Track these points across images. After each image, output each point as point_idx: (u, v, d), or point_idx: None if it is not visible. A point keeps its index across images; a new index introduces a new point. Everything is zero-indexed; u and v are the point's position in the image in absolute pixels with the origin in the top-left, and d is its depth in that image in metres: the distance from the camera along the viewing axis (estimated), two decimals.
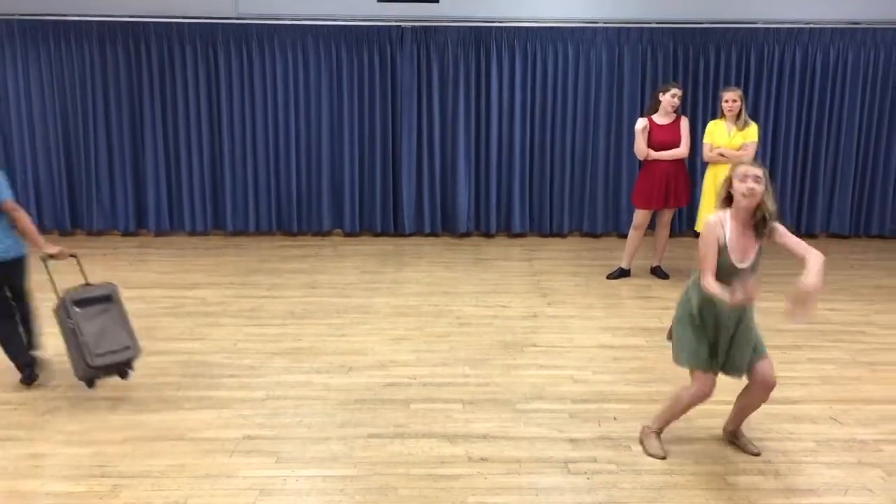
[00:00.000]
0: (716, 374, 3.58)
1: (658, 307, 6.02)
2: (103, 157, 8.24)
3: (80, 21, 7.94)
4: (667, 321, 5.58)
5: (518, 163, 8.34)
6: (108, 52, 8.04)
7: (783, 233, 3.42)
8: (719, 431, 3.94)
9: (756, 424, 4.03)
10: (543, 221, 8.51)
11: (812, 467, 3.63)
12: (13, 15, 7.91)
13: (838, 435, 3.95)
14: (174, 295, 6.25)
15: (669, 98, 6.45)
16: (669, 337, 3.75)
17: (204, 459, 3.65)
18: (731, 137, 6.30)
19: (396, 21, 8.03)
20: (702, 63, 8.18)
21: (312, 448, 3.77)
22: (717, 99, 6.53)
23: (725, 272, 3.42)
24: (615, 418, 4.11)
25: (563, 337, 5.36)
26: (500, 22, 8.05)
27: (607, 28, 8.10)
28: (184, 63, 8.10)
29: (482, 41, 8.13)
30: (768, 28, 8.08)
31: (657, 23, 8.06)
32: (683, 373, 4.67)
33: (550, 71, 8.20)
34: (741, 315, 3.50)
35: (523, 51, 8.14)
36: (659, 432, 3.82)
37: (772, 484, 3.47)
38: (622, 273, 6.83)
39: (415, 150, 8.31)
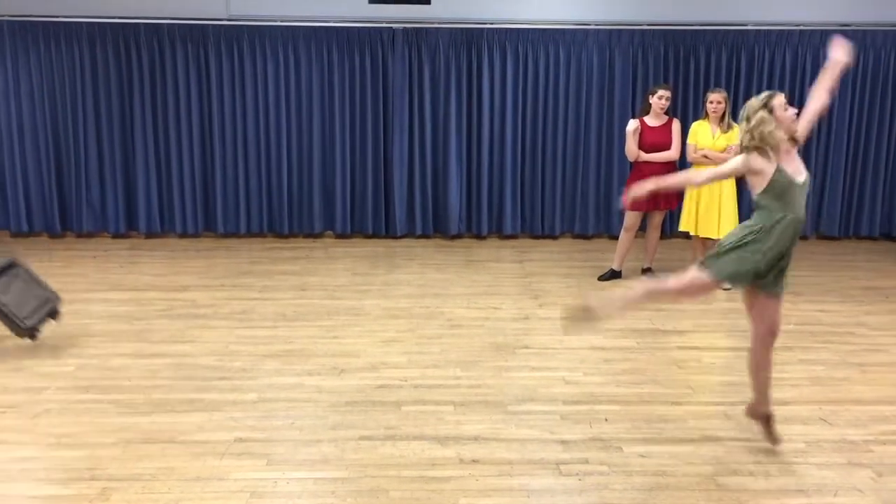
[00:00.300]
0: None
1: (649, 309, 6.02)
2: (93, 158, 8.21)
3: (70, 22, 7.91)
4: (658, 323, 5.64)
5: (510, 164, 8.34)
6: (99, 53, 8.02)
7: (800, 118, 3.83)
8: (711, 432, 3.95)
9: (746, 425, 4.04)
10: (535, 223, 8.52)
11: (802, 468, 3.64)
12: (2, 16, 7.87)
13: (828, 436, 3.97)
14: (165, 297, 6.23)
15: (657, 100, 6.48)
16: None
17: (194, 462, 3.63)
18: (714, 139, 6.34)
19: (388, 22, 8.03)
20: (692, 65, 8.21)
21: (304, 450, 3.76)
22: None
23: (787, 191, 3.59)
24: (606, 419, 4.11)
25: (555, 339, 5.36)
26: (492, 24, 8.06)
27: (598, 30, 8.12)
28: (174, 64, 8.07)
29: (473, 43, 8.14)
30: (759, 30, 8.11)
31: (648, 25, 8.09)
32: (674, 375, 4.70)
33: (542, 73, 8.21)
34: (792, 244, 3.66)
35: (515, 52, 8.15)
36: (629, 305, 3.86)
37: (762, 485, 3.48)
38: (614, 275, 6.84)
39: (406, 152, 8.31)
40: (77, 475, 3.51)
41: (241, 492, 3.38)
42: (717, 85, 8.03)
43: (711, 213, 6.38)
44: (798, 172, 3.65)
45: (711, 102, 6.35)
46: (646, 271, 6.90)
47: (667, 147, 6.49)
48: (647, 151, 6.51)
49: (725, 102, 6.34)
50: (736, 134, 6.23)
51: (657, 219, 6.76)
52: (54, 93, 8.10)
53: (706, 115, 6.43)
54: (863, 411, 4.26)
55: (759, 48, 8.18)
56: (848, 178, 8.50)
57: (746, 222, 3.73)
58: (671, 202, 6.67)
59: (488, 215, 8.49)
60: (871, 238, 8.61)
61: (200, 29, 8.01)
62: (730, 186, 6.40)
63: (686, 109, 8.20)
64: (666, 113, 6.57)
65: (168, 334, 5.38)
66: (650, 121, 6.54)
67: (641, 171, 6.53)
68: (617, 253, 6.85)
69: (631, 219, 6.70)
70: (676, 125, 6.59)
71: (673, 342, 5.31)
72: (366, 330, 5.51)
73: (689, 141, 6.47)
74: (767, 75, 8.22)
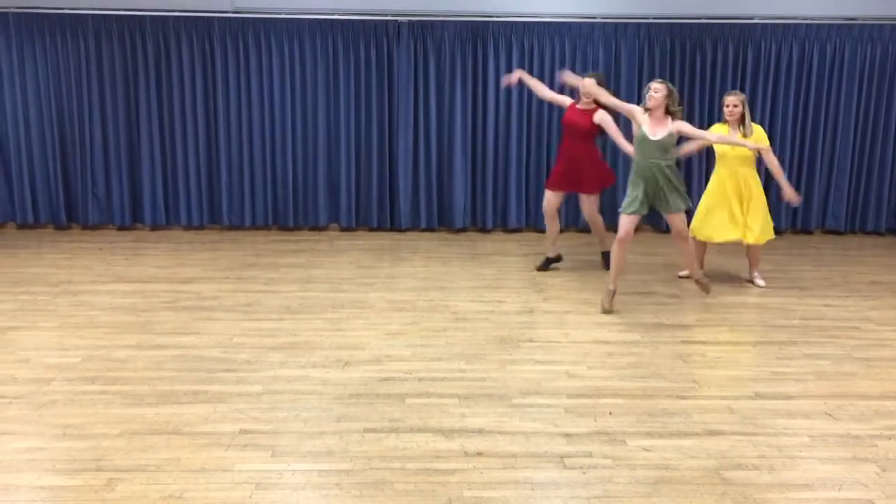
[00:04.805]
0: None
1: (654, 303, 6.03)
2: (99, 151, 8.22)
3: (75, 14, 7.91)
4: (662, 317, 5.65)
5: (514, 158, 8.34)
6: (104, 45, 8.02)
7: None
8: (715, 426, 3.95)
9: (751, 419, 4.04)
10: (539, 216, 8.49)
11: (807, 462, 3.64)
12: (8, 8, 7.88)
13: (833, 430, 3.96)
14: (170, 289, 6.25)
15: (558, 102, 6.69)
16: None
17: (200, 453, 3.64)
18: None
19: (393, 15, 8.02)
20: (698, 58, 8.19)
21: (308, 442, 3.77)
22: (713, 94, 6.50)
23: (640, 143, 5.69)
24: (610, 413, 4.11)
25: (559, 332, 5.36)
26: (497, 17, 8.05)
27: (604, 23, 8.10)
28: (180, 57, 8.08)
29: (479, 36, 8.13)
30: (765, 24, 8.08)
31: (654, 18, 8.06)
32: (678, 369, 4.70)
33: (547, 66, 8.19)
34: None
35: (520, 46, 8.14)
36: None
37: (766, 479, 3.48)
38: (548, 261, 6.94)
39: (411, 145, 8.31)
40: (83, 466, 3.53)
41: (246, 483, 3.40)
42: (724, 79, 8.02)
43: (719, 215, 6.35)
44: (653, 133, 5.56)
45: (727, 106, 6.17)
46: (604, 255, 6.84)
47: (580, 129, 6.41)
48: (564, 130, 6.61)
49: (742, 105, 6.14)
50: (760, 135, 6.18)
51: (584, 205, 6.70)
52: (60, 85, 8.11)
53: (725, 119, 6.23)
54: (867, 406, 4.25)
55: (765, 42, 8.15)
56: (854, 172, 8.48)
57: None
58: (581, 186, 6.57)
59: (493, 208, 8.49)
60: (877, 233, 8.59)
61: (206, 22, 8.01)
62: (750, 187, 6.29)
63: (692, 103, 8.17)
64: (597, 103, 6.33)
65: (173, 326, 5.40)
66: (579, 105, 6.49)
67: (560, 151, 6.79)
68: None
69: (547, 199, 6.80)
70: (599, 115, 6.36)
71: (677, 336, 5.31)
72: (370, 323, 5.51)
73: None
74: (774, 69, 8.20)
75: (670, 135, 5.58)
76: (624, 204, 5.75)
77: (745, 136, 6.10)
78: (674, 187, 5.66)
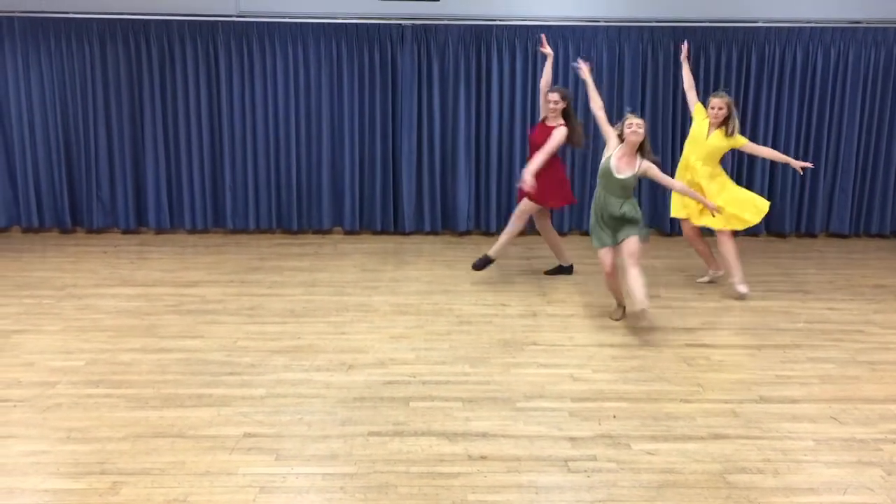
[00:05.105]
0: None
1: (658, 306, 6.01)
2: (104, 154, 8.23)
3: (81, 18, 7.93)
4: (666, 320, 5.65)
5: (518, 161, 8.32)
6: (109, 49, 8.03)
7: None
8: (719, 430, 3.95)
9: (755, 422, 4.03)
10: None
11: (812, 466, 3.64)
12: (14, 12, 7.89)
13: (838, 434, 3.96)
14: (174, 293, 6.25)
15: (544, 103, 6.41)
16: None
17: (204, 457, 3.65)
18: (707, 136, 6.10)
19: (397, 19, 8.03)
20: (702, 62, 8.18)
21: (312, 446, 3.78)
22: None
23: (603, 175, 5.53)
24: (615, 416, 4.11)
25: (563, 335, 5.36)
26: (501, 20, 8.05)
27: (608, 27, 8.10)
28: (184, 61, 8.09)
29: (483, 40, 8.13)
30: (769, 27, 8.08)
31: (657, 21, 8.06)
32: (682, 372, 4.70)
33: None
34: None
35: (524, 49, 8.14)
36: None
37: (771, 483, 3.48)
38: (560, 269, 6.94)
39: (415, 149, 8.31)
40: (87, 469, 3.53)
41: (250, 486, 3.40)
42: (727, 82, 7.99)
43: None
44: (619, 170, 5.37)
45: (712, 108, 6.04)
46: (485, 259, 6.64)
47: (541, 147, 6.32)
48: (530, 147, 6.53)
49: (728, 108, 6.02)
50: (738, 142, 6.10)
51: (523, 205, 6.59)
52: (65, 89, 8.13)
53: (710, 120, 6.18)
54: (872, 410, 4.24)
55: (769, 45, 8.14)
56: (858, 175, 8.46)
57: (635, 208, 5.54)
58: (537, 198, 6.46)
59: (497, 212, 8.48)
60: (881, 236, 8.58)
61: (210, 25, 8.02)
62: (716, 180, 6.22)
63: None
64: (556, 115, 6.32)
65: (177, 330, 5.40)
66: (548, 121, 6.40)
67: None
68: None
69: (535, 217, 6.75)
70: (558, 131, 6.28)
71: (681, 339, 5.30)
72: (374, 326, 5.52)
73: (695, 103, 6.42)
74: (777, 72, 8.19)
75: (634, 176, 5.39)
76: (593, 240, 5.64)
77: (726, 135, 6.06)
78: (631, 220, 5.44)
